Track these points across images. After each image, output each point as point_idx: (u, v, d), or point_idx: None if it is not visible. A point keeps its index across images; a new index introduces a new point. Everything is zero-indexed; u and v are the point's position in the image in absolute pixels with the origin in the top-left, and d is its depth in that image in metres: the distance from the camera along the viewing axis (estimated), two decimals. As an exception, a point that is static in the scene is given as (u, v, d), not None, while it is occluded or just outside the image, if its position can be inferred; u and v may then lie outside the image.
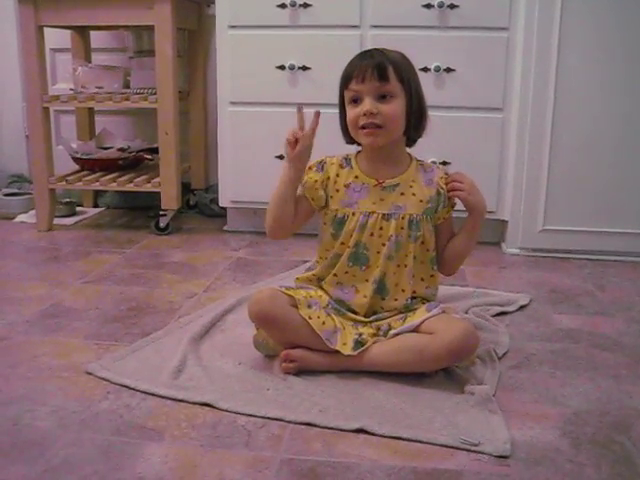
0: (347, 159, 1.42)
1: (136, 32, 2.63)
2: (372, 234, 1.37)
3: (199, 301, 1.75)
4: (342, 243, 1.39)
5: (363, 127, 1.33)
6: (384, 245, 1.37)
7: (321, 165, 1.41)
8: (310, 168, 1.41)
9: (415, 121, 1.37)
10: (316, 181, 1.40)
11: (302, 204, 1.41)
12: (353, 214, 1.37)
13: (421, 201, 1.37)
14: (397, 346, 1.31)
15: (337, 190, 1.39)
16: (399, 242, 1.36)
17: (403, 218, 1.36)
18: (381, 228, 1.37)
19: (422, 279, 1.42)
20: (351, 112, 1.35)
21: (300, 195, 1.41)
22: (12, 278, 1.94)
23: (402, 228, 1.36)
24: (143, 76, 2.50)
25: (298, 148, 1.35)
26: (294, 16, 2.20)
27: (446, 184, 1.39)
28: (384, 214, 1.36)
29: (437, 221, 1.41)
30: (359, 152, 1.43)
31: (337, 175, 1.40)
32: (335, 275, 1.40)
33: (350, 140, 1.42)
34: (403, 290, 1.39)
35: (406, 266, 1.38)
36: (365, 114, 1.31)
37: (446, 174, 1.41)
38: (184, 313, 1.66)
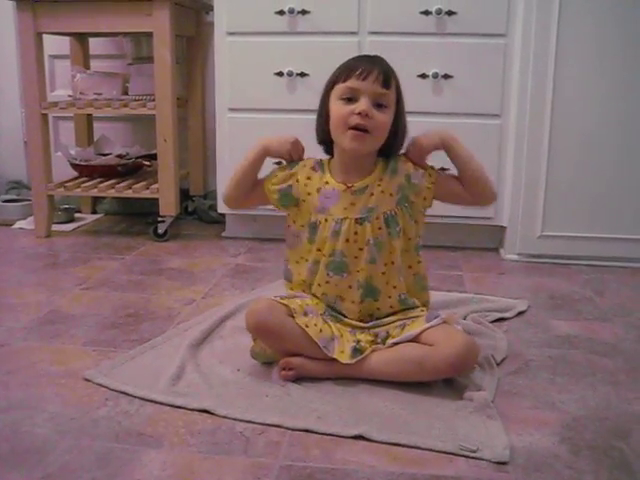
0: (320, 164, 1.40)
1: (135, 39, 2.64)
2: (347, 240, 1.35)
3: (197, 307, 1.75)
4: (318, 249, 1.38)
5: (352, 128, 1.29)
6: (362, 250, 1.35)
7: (294, 164, 1.41)
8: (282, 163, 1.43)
9: (398, 138, 1.36)
10: (276, 176, 1.41)
11: (259, 189, 1.43)
12: (326, 220, 1.36)
13: (391, 195, 1.35)
14: (396, 356, 1.30)
15: (309, 194, 1.38)
16: (380, 243, 1.35)
17: (378, 219, 1.35)
18: (356, 233, 1.35)
19: (410, 266, 1.41)
20: (342, 109, 1.30)
21: (260, 180, 1.43)
22: (10, 284, 1.93)
23: (380, 228, 1.35)
24: (142, 83, 2.50)
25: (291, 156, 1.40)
26: (292, 23, 2.21)
27: (411, 159, 1.36)
28: (357, 218, 1.35)
29: (427, 197, 1.37)
30: (331, 159, 1.41)
31: (308, 178, 1.39)
32: (319, 285, 1.40)
33: (323, 140, 1.39)
34: (394, 287, 1.38)
35: (393, 263, 1.37)
36: (360, 113, 1.28)
37: (404, 153, 1.39)
38: (182, 319, 1.66)
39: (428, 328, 1.31)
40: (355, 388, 1.30)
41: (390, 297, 1.38)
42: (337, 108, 1.32)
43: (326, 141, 1.39)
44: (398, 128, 1.35)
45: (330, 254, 1.37)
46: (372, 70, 1.29)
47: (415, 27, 2.15)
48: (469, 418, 1.19)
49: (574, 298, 1.86)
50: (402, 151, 1.39)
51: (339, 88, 1.32)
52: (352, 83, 1.29)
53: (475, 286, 1.94)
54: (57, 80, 2.87)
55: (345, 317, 1.40)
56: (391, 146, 1.36)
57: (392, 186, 1.36)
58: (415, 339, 1.32)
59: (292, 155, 1.41)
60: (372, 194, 1.35)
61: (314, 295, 1.42)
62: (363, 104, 1.28)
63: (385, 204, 1.35)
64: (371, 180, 1.36)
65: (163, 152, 2.34)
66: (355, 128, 1.29)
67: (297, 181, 1.39)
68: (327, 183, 1.38)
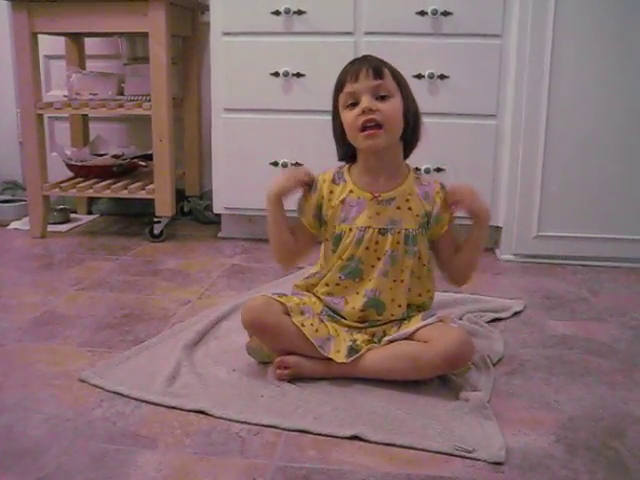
0: (340, 173, 1.39)
1: (130, 39, 2.64)
2: (367, 248, 1.35)
3: (193, 308, 1.75)
4: (340, 257, 1.38)
5: (363, 129, 1.29)
6: (379, 259, 1.35)
7: (315, 185, 1.39)
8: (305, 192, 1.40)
9: (412, 124, 1.34)
10: (309, 203, 1.38)
11: (301, 230, 1.41)
12: (350, 230, 1.35)
13: (417, 215, 1.35)
14: (392, 354, 1.30)
15: (332, 207, 1.37)
16: (395, 257, 1.35)
17: (399, 233, 1.34)
18: (377, 242, 1.35)
19: (419, 294, 1.40)
20: (349, 115, 1.30)
21: (298, 222, 1.41)
22: (6, 285, 1.93)
23: (398, 243, 1.34)
24: (137, 83, 2.50)
25: (282, 187, 1.36)
26: (288, 23, 2.20)
27: (444, 199, 1.36)
28: (380, 229, 1.34)
29: (434, 237, 1.39)
30: (353, 164, 1.39)
31: (330, 192, 1.37)
32: (327, 285, 1.40)
33: (344, 156, 1.39)
34: (400, 305, 1.37)
35: (402, 281, 1.36)
36: (364, 111, 1.28)
37: (442, 187, 1.38)
38: (178, 320, 1.66)
39: (424, 326, 1.32)
40: (351, 388, 1.30)
41: (392, 315, 1.38)
42: (345, 116, 1.32)
43: (347, 155, 1.39)
44: (408, 113, 1.33)
45: (348, 259, 1.36)
46: (361, 68, 1.30)
47: (411, 27, 2.15)
48: (465, 418, 1.19)
49: (569, 298, 1.86)
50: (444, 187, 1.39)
51: (341, 98, 1.33)
52: (348, 88, 1.31)
53: (471, 286, 1.92)
54: (52, 80, 2.87)
55: (342, 318, 1.39)
56: (405, 133, 1.35)
57: (421, 209, 1.35)
58: (410, 337, 1.32)
59: (293, 179, 1.38)
60: (399, 208, 1.35)
61: (314, 294, 1.42)
62: (364, 102, 1.28)
63: (409, 221, 1.35)
64: (399, 193, 1.35)
65: (159, 152, 2.34)
66: (366, 127, 1.29)
67: (322, 197, 1.38)
68: (351, 192, 1.36)
